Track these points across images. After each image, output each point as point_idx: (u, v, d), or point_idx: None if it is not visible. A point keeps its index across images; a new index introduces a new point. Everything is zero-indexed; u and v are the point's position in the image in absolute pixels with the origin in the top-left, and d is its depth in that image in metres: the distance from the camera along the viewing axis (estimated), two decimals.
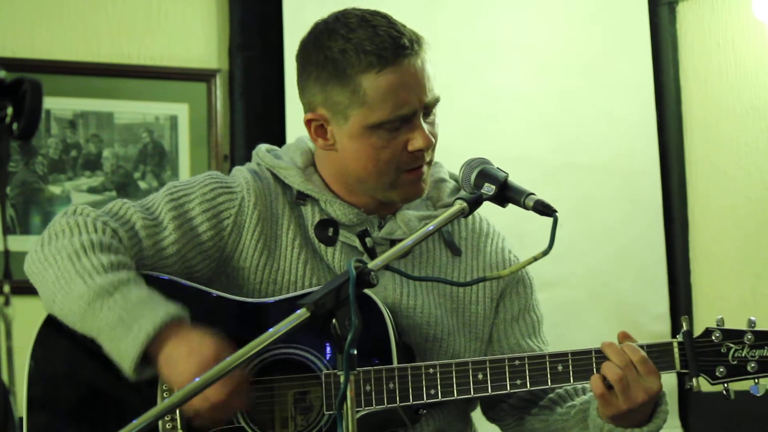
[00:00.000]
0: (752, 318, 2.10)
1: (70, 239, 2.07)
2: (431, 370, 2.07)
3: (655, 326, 4.11)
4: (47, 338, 2.11)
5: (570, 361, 2.08)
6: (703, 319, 4.10)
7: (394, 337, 2.08)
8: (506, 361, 2.09)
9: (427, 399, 2.07)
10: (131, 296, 2.00)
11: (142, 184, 3.89)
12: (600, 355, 2.07)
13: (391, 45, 2.08)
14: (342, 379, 1.66)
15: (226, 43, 4.01)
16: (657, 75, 4.24)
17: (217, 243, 2.17)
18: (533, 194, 1.94)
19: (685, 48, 4.24)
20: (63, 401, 2.13)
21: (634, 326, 4.01)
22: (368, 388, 2.04)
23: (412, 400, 2.06)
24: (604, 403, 2.05)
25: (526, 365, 2.08)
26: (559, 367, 2.08)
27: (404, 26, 2.13)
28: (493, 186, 1.95)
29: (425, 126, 2.13)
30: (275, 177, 2.24)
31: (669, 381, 2.12)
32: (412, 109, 2.10)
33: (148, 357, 1.98)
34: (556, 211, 1.92)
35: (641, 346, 2.06)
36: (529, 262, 1.92)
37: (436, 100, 2.15)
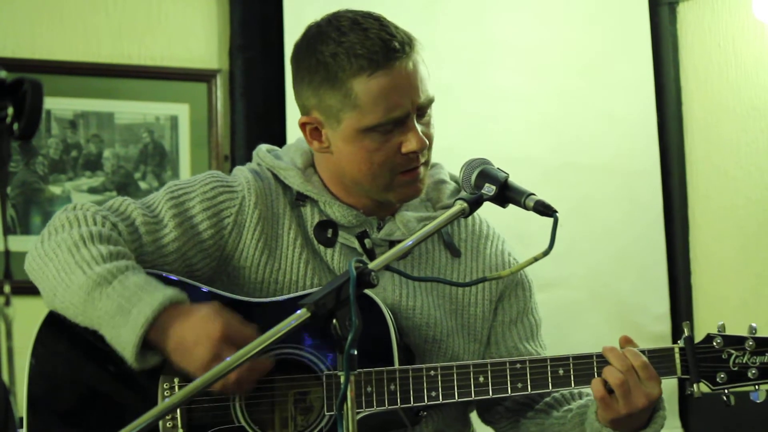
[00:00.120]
0: (753, 324, 2.09)
1: (69, 232, 2.07)
2: (432, 372, 2.07)
3: (656, 327, 4.10)
4: (48, 337, 2.11)
5: (571, 364, 2.07)
6: (703, 320, 4.10)
7: (396, 338, 2.08)
8: (507, 364, 2.08)
9: (428, 401, 2.06)
10: (129, 283, 2.00)
11: (143, 185, 3.89)
12: (601, 359, 2.06)
13: (381, 48, 2.07)
14: (342, 379, 1.66)
15: (227, 43, 4.01)
16: (657, 75, 4.24)
17: (218, 242, 2.17)
18: (533, 194, 1.94)
19: (686, 48, 4.24)
20: (64, 400, 2.12)
21: (635, 327, 4.00)
22: (369, 389, 2.04)
23: (413, 402, 2.06)
24: (604, 407, 2.04)
25: (528, 368, 2.08)
26: (561, 371, 2.08)
27: (397, 28, 2.12)
28: (493, 186, 1.95)
29: (419, 127, 2.12)
30: (276, 177, 2.24)
31: (669, 381, 2.11)
32: (405, 111, 2.10)
33: (150, 343, 1.97)
34: (557, 212, 1.91)
35: (642, 351, 2.06)
36: (530, 263, 1.92)
37: (430, 101, 2.14)
